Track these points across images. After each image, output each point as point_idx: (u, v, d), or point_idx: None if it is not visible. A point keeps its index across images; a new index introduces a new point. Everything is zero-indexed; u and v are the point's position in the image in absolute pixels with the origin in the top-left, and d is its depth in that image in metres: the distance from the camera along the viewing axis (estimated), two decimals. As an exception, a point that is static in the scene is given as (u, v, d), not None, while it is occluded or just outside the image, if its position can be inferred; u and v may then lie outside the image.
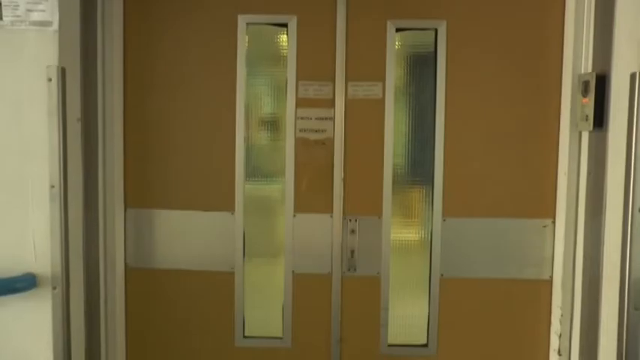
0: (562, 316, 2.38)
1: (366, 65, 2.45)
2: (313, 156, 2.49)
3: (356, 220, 2.49)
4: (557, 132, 2.42)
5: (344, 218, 2.49)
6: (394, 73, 2.46)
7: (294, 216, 2.51)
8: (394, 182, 2.49)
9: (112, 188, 2.42)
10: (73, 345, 2.07)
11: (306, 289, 2.53)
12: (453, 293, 2.51)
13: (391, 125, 2.47)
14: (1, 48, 1.96)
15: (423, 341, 2.55)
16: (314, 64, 2.46)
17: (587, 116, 2.13)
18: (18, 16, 1.95)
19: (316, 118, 2.47)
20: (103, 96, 2.32)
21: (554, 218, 2.45)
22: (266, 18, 2.49)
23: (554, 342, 2.44)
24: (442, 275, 2.51)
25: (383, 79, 2.45)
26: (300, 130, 2.48)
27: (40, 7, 1.94)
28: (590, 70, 2.19)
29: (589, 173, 2.21)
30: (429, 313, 2.54)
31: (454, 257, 2.50)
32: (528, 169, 2.45)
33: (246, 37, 2.49)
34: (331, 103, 2.47)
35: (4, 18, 1.95)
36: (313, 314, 2.54)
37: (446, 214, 2.49)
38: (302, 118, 2.48)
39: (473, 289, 2.51)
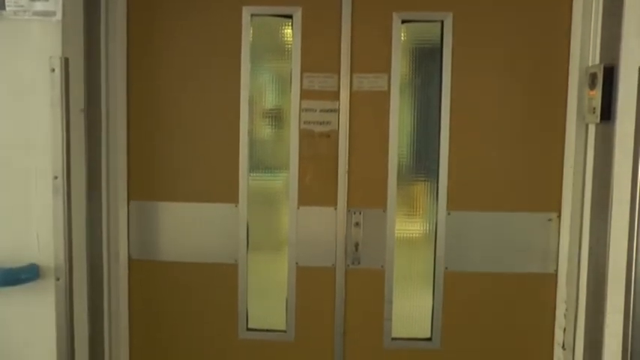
0: (567, 310, 2.37)
1: (372, 57, 2.43)
2: (318, 148, 2.47)
3: (360, 213, 2.48)
4: (564, 125, 2.40)
5: (348, 211, 2.48)
6: (400, 65, 2.44)
7: (298, 208, 2.50)
8: (399, 175, 2.48)
9: (115, 180, 2.42)
10: (76, 336, 2.07)
11: (310, 281, 2.53)
12: (458, 287, 2.50)
13: (396, 118, 2.45)
14: (3, 38, 1.95)
15: (427, 335, 2.55)
16: (319, 56, 2.44)
17: (594, 109, 2.11)
18: (21, 6, 1.94)
19: (321, 110, 2.46)
20: (106, 87, 2.32)
21: (560, 212, 2.43)
22: (271, 9, 2.47)
23: (559, 336, 2.43)
24: (446, 269, 2.50)
25: (388, 71, 2.44)
26: (305, 123, 2.47)
27: (44, -4, 1.94)
28: (597, 62, 2.17)
29: (595, 166, 2.19)
30: (433, 306, 2.53)
31: (458, 251, 2.49)
32: (534, 161, 2.44)
33: (251, 28, 2.47)
34: (336, 95, 2.45)
35: (7, 8, 1.94)
36: (317, 307, 2.54)
37: (450, 207, 2.47)
38: (306, 110, 2.46)
39: (477, 282, 2.50)
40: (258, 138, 2.52)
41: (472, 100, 2.44)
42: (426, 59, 2.47)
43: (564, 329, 2.38)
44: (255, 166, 2.52)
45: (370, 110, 2.45)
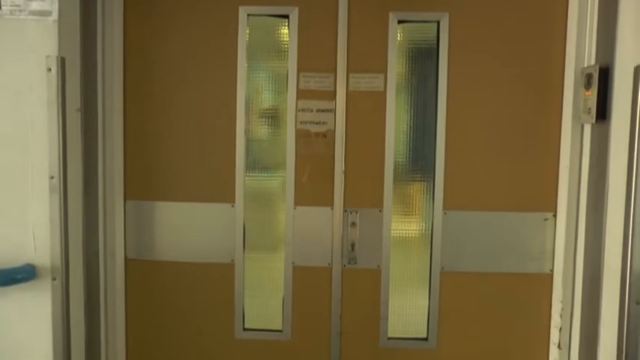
0: (562, 309, 2.37)
1: (368, 57, 2.43)
2: (314, 148, 2.47)
3: (357, 213, 2.48)
4: (559, 125, 2.40)
5: (344, 211, 2.48)
6: (396, 65, 2.45)
7: (295, 208, 2.50)
8: (395, 175, 2.48)
9: (112, 179, 2.42)
10: (72, 336, 2.07)
11: (307, 281, 2.53)
12: (454, 287, 2.51)
13: (392, 118, 2.45)
14: (-1, 37, 1.95)
15: (423, 334, 2.55)
16: (315, 56, 2.44)
17: (589, 109, 2.12)
18: (17, 6, 1.93)
19: (317, 110, 2.46)
20: (102, 86, 2.31)
21: (556, 212, 2.44)
22: (267, 9, 2.47)
23: (555, 336, 2.43)
24: (442, 269, 2.50)
25: (385, 72, 2.44)
26: (301, 122, 2.47)
27: (40, -4, 1.93)
28: (593, 62, 2.18)
29: (591, 166, 2.20)
30: (429, 306, 2.53)
31: (455, 251, 2.49)
32: (530, 161, 2.44)
33: (247, 28, 2.47)
34: (332, 95, 2.45)
35: (2, 7, 1.93)
36: (313, 307, 2.54)
37: (447, 207, 2.48)
38: (303, 110, 2.46)
39: (473, 282, 2.50)
40: (255, 138, 2.52)
41: (468, 100, 2.44)
42: (423, 59, 2.47)
43: (560, 329, 2.39)
44: (251, 165, 2.52)
45: (367, 110, 2.45)
